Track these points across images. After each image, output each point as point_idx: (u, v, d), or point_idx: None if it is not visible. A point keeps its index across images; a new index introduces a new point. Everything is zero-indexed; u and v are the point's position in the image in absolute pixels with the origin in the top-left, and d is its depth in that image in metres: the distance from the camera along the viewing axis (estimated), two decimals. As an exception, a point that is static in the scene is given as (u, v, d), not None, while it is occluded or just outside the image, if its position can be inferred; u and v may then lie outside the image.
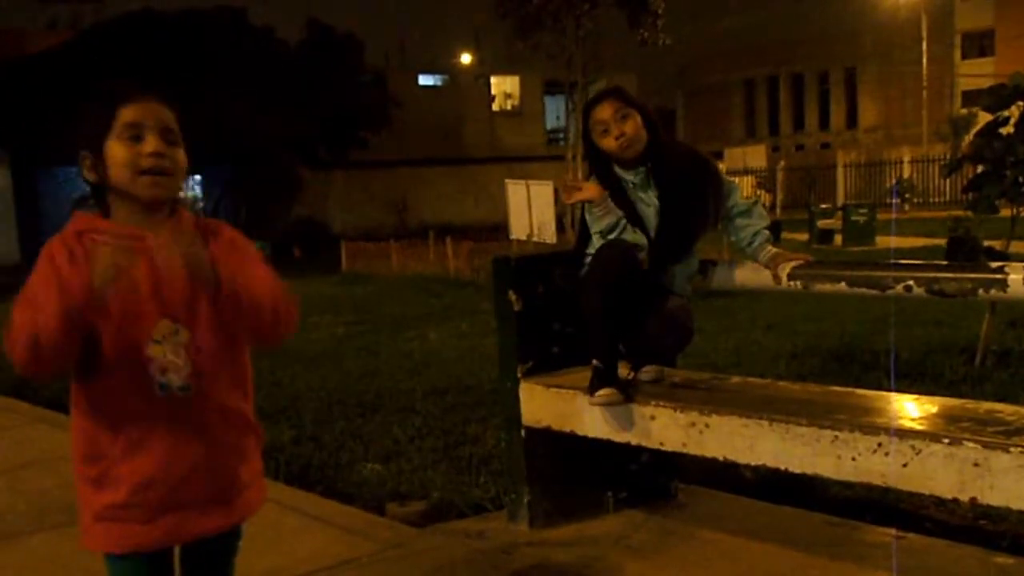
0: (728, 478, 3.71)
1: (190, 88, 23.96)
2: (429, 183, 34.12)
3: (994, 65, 47.28)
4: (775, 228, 17.68)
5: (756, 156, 42.91)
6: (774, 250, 3.02)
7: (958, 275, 2.58)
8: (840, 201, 30.67)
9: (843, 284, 2.84)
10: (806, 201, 30.30)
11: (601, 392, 2.90)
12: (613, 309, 2.88)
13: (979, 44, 48.11)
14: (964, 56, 48.17)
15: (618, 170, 3.05)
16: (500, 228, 17.27)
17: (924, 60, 41.73)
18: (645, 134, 2.99)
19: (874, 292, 2.78)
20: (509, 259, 3.32)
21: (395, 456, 4.44)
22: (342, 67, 26.95)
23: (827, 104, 53.28)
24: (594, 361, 2.94)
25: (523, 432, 3.31)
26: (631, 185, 3.04)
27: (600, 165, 3.08)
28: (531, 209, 14.67)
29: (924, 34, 41.04)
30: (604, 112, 2.99)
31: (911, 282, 2.65)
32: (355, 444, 4.67)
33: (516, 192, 15.54)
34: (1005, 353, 5.77)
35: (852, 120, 52.46)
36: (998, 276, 2.41)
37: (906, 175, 35.52)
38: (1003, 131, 5.11)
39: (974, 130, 5.45)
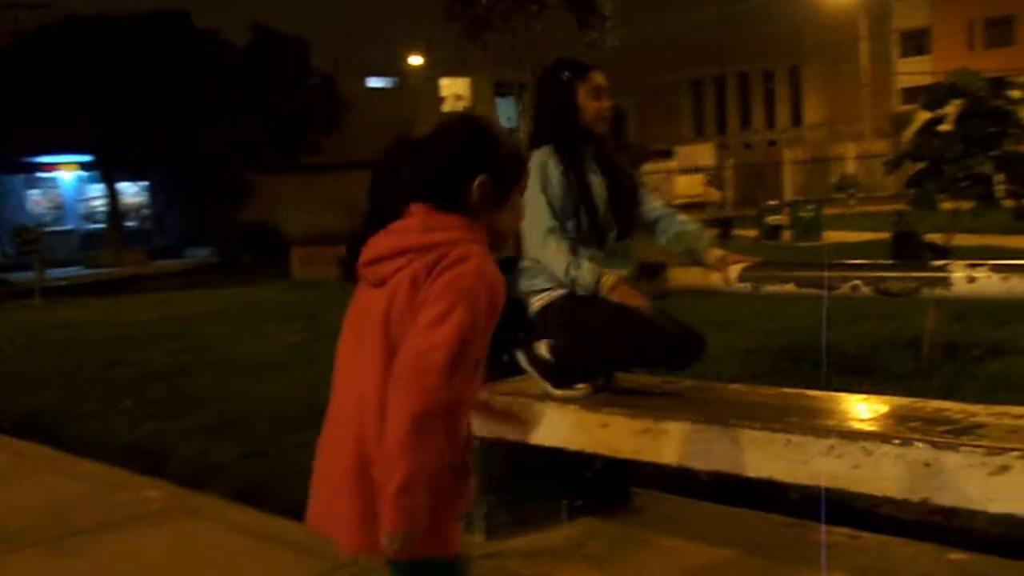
0: (685, 481, 3.68)
1: (134, 93, 23.58)
2: None
3: (931, 63, 48.37)
4: (726, 225, 17.84)
5: (705, 154, 43.38)
6: (720, 252, 3.02)
7: (903, 274, 2.60)
8: (787, 197, 31.11)
9: (792, 285, 2.84)
10: (755, 198, 30.71)
11: (579, 386, 2.94)
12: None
13: (916, 42, 49.18)
14: (902, 54, 49.22)
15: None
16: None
17: (864, 59, 42.47)
18: None
19: (822, 292, 2.78)
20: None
21: None
22: (289, 70, 26.62)
23: (773, 102, 54.15)
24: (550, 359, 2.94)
25: (475, 443, 3.25)
26: (588, 157, 3.03)
27: (567, 133, 2.98)
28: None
29: (863, 33, 41.78)
30: (602, 79, 2.99)
31: (858, 282, 2.66)
32: (306, 457, 4.50)
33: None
34: (951, 347, 5.84)
35: (797, 118, 53.34)
36: (941, 275, 2.42)
37: (850, 171, 36.18)
38: (941, 128, 5.18)
39: (912, 127, 5.53)
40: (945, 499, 2.20)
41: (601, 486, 3.52)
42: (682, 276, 3.19)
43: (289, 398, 5.92)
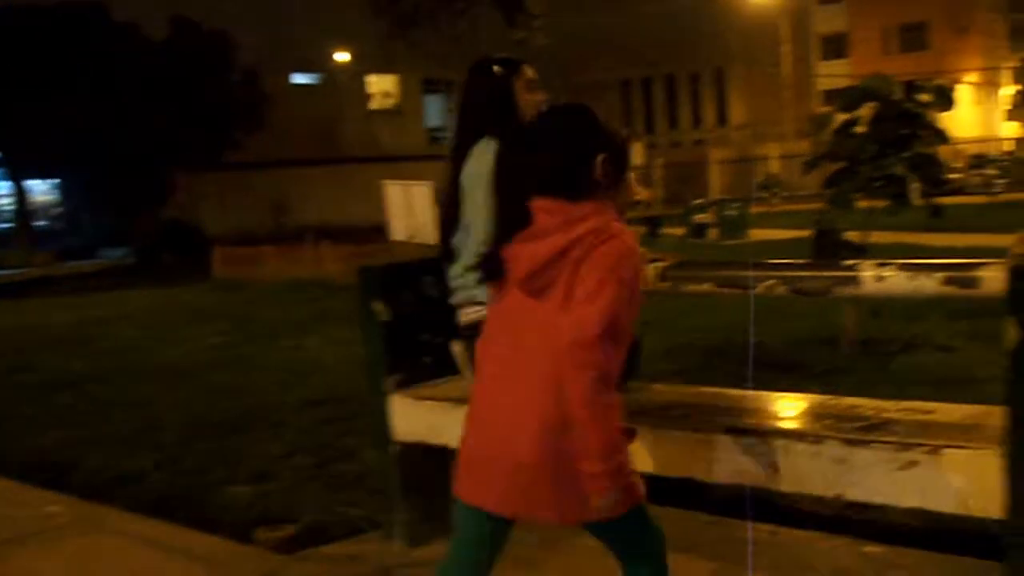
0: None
1: (45, 87, 22.77)
2: (307, 184, 33.23)
3: (849, 66, 49.70)
4: (655, 224, 18.07)
5: (634, 154, 43.79)
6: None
7: (816, 274, 2.63)
8: (714, 196, 31.64)
9: (710, 284, 2.84)
10: (682, 196, 31.15)
11: None
12: None
13: (836, 46, 50.48)
14: (822, 57, 50.49)
15: None
16: (382, 229, 17.05)
17: (786, 62, 43.44)
18: None
19: (739, 291, 2.79)
20: (375, 268, 3.19)
21: (265, 477, 4.23)
22: (211, 65, 26.00)
23: (699, 103, 55.07)
24: None
25: (396, 448, 3.19)
26: None
27: (504, 127, 2.80)
28: (411, 210, 14.55)
29: (785, 37, 42.74)
30: (533, 73, 2.93)
31: (773, 281, 2.67)
32: (221, 466, 4.42)
33: (395, 194, 15.37)
34: (867, 342, 5.97)
35: (723, 118, 54.30)
36: (851, 274, 2.45)
37: (774, 170, 36.96)
38: (856, 130, 5.30)
39: (830, 128, 5.66)
40: (857, 495, 2.24)
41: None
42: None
43: (207, 404, 5.78)
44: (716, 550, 3.07)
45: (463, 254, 2.87)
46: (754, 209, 27.89)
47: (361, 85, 35.93)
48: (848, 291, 2.54)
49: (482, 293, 2.83)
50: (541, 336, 1.89)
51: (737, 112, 53.51)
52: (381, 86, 37.10)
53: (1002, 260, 2.14)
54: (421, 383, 3.20)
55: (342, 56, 34.88)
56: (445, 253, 2.94)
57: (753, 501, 3.12)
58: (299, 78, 35.17)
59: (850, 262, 2.54)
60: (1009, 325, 2.02)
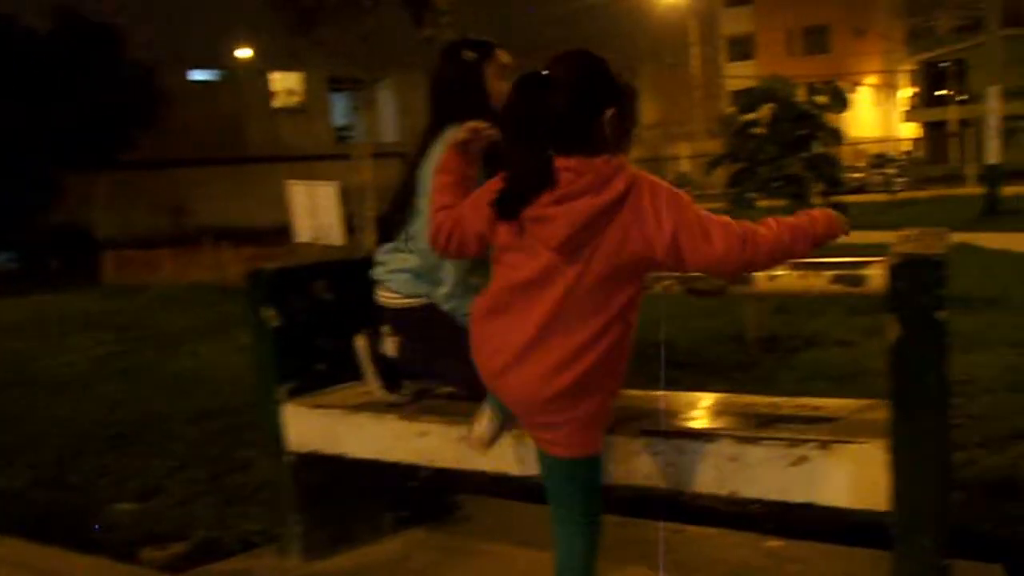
0: (519, 483, 3.62)
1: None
2: (208, 184, 32.07)
3: (755, 68, 50.99)
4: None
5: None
6: None
7: (710, 273, 2.62)
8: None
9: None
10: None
11: (404, 392, 2.85)
12: None
13: (742, 48, 51.76)
14: (730, 59, 51.70)
15: None
16: (286, 231, 16.67)
17: (695, 63, 44.36)
18: None
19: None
20: (264, 272, 3.07)
21: (154, 493, 4.05)
22: (100, 60, 24.89)
23: (610, 102, 55.79)
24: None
25: (289, 458, 3.09)
26: None
27: (475, 114, 2.59)
28: (315, 211, 14.27)
29: (693, 38, 43.65)
30: (508, 57, 2.80)
31: (670, 281, 2.66)
32: (106, 483, 4.22)
33: (299, 193, 15.01)
34: (771, 339, 6.08)
35: (634, 117, 55.16)
36: (744, 273, 2.44)
37: (685, 169, 37.68)
38: (755, 131, 5.38)
39: (733, 128, 5.74)
40: (751, 491, 2.25)
41: (427, 495, 3.41)
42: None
43: (92, 418, 5.49)
44: (624, 551, 3.05)
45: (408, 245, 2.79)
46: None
47: (264, 83, 34.96)
48: (741, 290, 2.56)
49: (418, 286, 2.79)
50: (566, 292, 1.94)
51: (648, 112, 54.33)
52: (285, 84, 36.14)
53: (885, 258, 2.16)
54: (315, 391, 3.10)
55: (244, 52, 33.89)
56: (384, 236, 2.88)
57: (661, 500, 3.13)
58: (198, 75, 33.93)
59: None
60: (890, 322, 2.06)
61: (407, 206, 2.78)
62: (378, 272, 2.88)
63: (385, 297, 2.87)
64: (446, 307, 2.76)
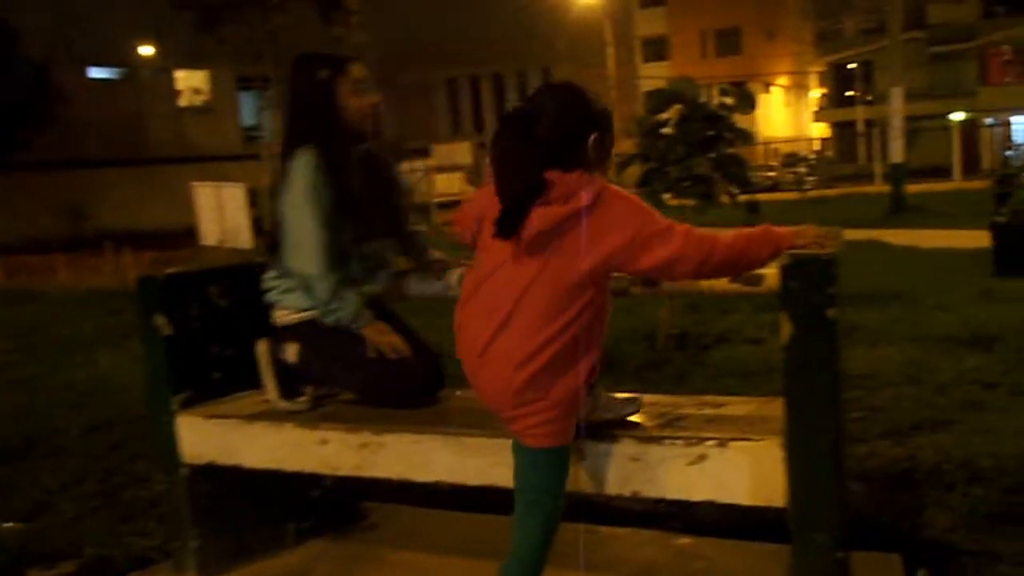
0: (427, 488, 3.56)
1: None
2: (110, 186, 30.80)
3: (669, 69, 51.83)
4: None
5: (462, 152, 44.10)
6: (437, 253, 2.95)
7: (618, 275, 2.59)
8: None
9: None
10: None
11: (302, 400, 2.81)
12: None
13: (657, 49, 52.54)
14: (645, 60, 52.42)
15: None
16: (193, 233, 16.27)
17: (610, 63, 44.87)
18: None
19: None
20: (155, 277, 2.94)
21: (42, 509, 3.86)
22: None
23: (528, 102, 56.01)
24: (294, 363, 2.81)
25: (184, 471, 2.97)
26: (351, 160, 2.78)
27: (330, 135, 2.71)
28: (223, 213, 13.95)
29: (609, 39, 44.12)
30: (363, 72, 2.74)
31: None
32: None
33: (205, 195, 14.73)
34: (683, 337, 6.13)
35: (551, 117, 55.48)
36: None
37: (604, 171, 38.02)
38: (665, 131, 5.42)
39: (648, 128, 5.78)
40: (653, 491, 2.25)
41: (330, 504, 3.33)
42: (405, 284, 3.07)
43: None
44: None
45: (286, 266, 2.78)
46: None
47: (169, 81, 33.89)
48: (646, 290, 2.56)
49: (297, 299, 2.77)
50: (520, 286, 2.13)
51: (566, 112, 54.79)
52: (191, 82, 35.11)
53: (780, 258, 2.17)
54: (211, 400, 3.00)
55: (146, 50, 32.79)
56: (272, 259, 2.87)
57: (575, 501, 3.10)
58: (98, 72, 32.55)
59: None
60: (783, 320, 2.07)
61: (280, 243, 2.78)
62: (270, 296, 2.87)
63: (280, 315, 2.85)
64: (327, 321, 2.74)
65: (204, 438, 2.91)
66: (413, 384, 2.76)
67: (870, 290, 7.84)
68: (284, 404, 2.84)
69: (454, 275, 2.90)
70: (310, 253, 2.69)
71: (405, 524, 3.40)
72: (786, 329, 2.07)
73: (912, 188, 22.67)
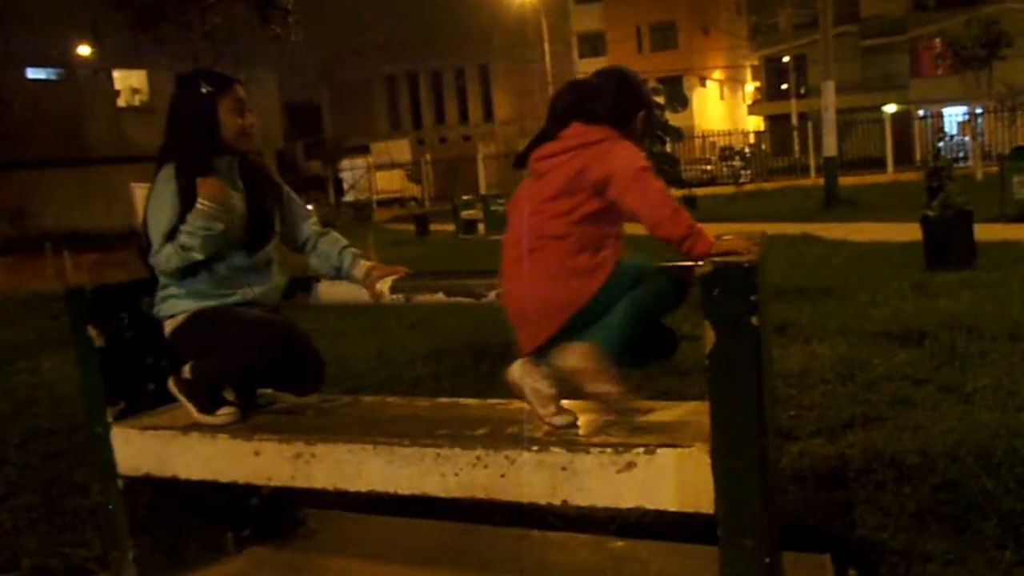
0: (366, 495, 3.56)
1: None
2: (49, 188, 30.45)
3: (606, 64, 51.89)
4: (422, 221, 18.13)
5: (401, 150, 43.91)
6: (367, 264, 2.97)
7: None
8: (483, 190, 32.19)
9: (441, 295, 2.83)
10: (452, 192, 31.52)
11: (222, 411, 2.81)
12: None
13: (593, 44, 52.76)
14: (581, 55, 52.64)
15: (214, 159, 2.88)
16: (135, 234, 16.04)
17: (547, 59, 44.98)
18: None
19: (470, 300, 2.79)
20: (83, 290, 2.92)
21: None
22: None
23: (465, 98, 55.91)
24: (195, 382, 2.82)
25: (120, 482, 2.95)
26: (222, 173, 2.87)
27: (204, 150, 2.83)
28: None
29: (545, 35, 44.23)
30: (245, 92, 2.86)
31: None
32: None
33: (144, 198, 14.41)
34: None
35: (489, 113, 55.42)
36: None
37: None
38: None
39: None
40: (583, 500, 2.26)
41: (269, 512, 3.32)
42: (331, 291, 3.07)
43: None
44: (466, 559, 3.08)
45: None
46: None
47: (107, 81, 33.53)
48: None
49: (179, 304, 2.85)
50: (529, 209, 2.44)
51: (502, 107, 54.81)
52: (129, 82, 34.80)
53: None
54: (145, 412, 2.99)
55: (84, 50, 32.39)
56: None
57: (505, 508, 3.13)
58: (35, 73, 32.25)
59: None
60: (706, 328, 2.11)
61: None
62: (157, 313, 2.95)
63: (167, 329, 2.94)
64: (165, 271, 2.84)
65: (139, 450, 2.89)
66: (274, 331, 2.81)
67: (803, 285, 7.94)
68: (209, 419, 2.84)
69: (383, 284, 2.92)
70: (156, 247, 2.82)
71: (343, 530, 3.41)
72: (709, 336, 2.10)
73: (846, 180, 23.03)
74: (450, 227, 21.40)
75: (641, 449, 2.20)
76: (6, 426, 5.43)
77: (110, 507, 3.00)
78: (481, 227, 20.23)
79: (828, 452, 3.76)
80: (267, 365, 2.79)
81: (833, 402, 4.47)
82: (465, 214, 20.94)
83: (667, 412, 2.50)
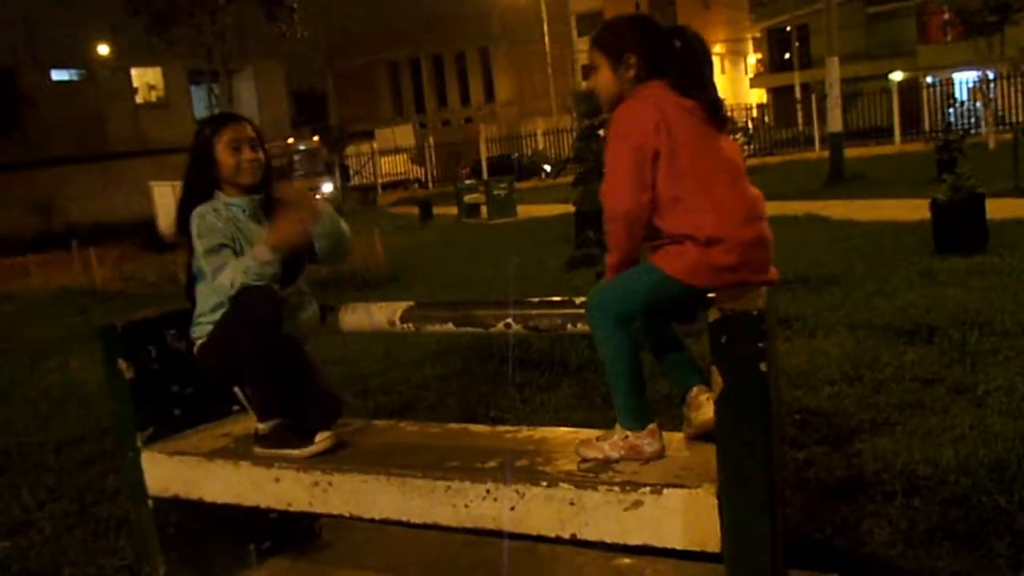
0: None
1: None
2: (74, 183, 31.59)
3: (604, 43, 51.23)
4: (426, 206, 18.13)
5: (405, 135, 43.89)
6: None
7: (549, 312, 2.74)
8: (486, 172, 32.16)
9: (450, 325, 2.93)
10: (455, 174, 31.58)
11: (319, 438, 2.84)
12: (274, 359, 2.87)
13: (592, 23, 52.06)
14: (580, 35, 52.07)
15: (223, 196, 3.01)
16: (152, 224, 16.37)
17: (546, 39, 44.64)
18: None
19: (479, 330, 2.89)
20: (114, 327, 3.06)
21: (24, 527, 3.99)
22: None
23: (466, 82, 55.72)
24: (273, 421, 2.88)
25: (151, 502, 3.12)
26: (241, 211, 3.01)
27: (203, 186, 3.02)
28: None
29: (544, 16, 43.90)
30: (242, 131, 3.00)
31: (510, 320, 2.79)
32: None
33: (162, 194, 14.57)
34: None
35: (490, 95, 55.21)
36: (583, 311, 2.57)
37: (540, 146, 37.99)
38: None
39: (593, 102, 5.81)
40: (591, 534, 2.32)
41: (288, 525, 3.47)
42: (350, 319, 3.18)
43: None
44: (475, 572, 3.15)
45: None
46: (525, 184, 28.60)
47: (126, 79, 34.38)
48: (579, 328, 2.67)
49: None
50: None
51: (503, 89, 54.60)
52: (145, 79, 35.54)
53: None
54: (172, 436, 3.16)
55: (103, 49, 33.13)
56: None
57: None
58: (60, 74, 33.23)
59: (581, 300, 2.65)
60: (714, 374, 2.11)
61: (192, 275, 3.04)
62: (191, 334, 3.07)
63: (196, 348, 3.06)
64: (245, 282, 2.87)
65: (168, 473, 3.06)
66: (265, 295, 2.85)
67: (808, 273, 7.87)
68: (311, 450, 2.84)
69: (396, 311, 3.03)
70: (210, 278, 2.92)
71: (357, 541, 3.53)
72: (717, 382, 2.11)
73: (852, 152, 22.56)
74: (453, 210, 21.45)
75: (648, 488, 2.24)
76: (43, 429, 5.64)
77: (142, 525, 3.16)
78: (483, 210, 20.33)
79: (835, 461, 3.71)
80: (267, 329, 2.82)
81: (840, 406, 4.40)
82: (468, 198, 21.02)
83: (672, 446, 2.51)
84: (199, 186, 3.03)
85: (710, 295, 2.31)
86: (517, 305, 2.81)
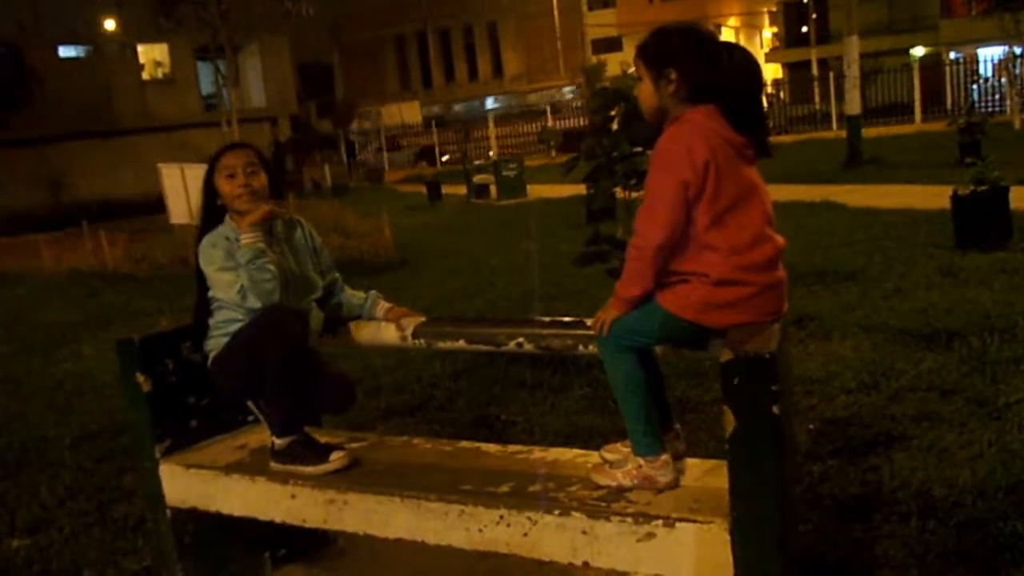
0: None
1: None
2: (82, 159, 31.66)
3: (616, 15, 50.80)
4: (434, 187, 18.11)
5: (412, 111, 43.59)
6: (387, 304, 3.17)
7: (561, 332, 2.74)
8: (494, 150, 31.91)
9: (463, 342, 2.95)
10: (465, 151, 31.46)
11: (334, 456, 2.89)
12: (296, 378, 2.90)
13: (602, -4, 51.55)
14: (590, 7, 51.55)
15: (231, 222, 3.06)
16: (160, 201, 16.50)
17: (555, 13, 44.04)
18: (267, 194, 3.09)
19: (491, 348, 2.90)
20: (132, 341, 3.09)
21: (44, 525, 4.03)
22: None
23: (474, 56, 55.31)
24: (290, 437, 2.91)
25: (169, 512, 3.16)
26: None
27: (211, 213, 3.12)
28: (189, 193, 13.91)
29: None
30: (235, 159, 3.06)
31: (522, 339, 2.79)
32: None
33: (171, 176, 14.63)
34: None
35: (499, 70, 54.77)
36: (592, 333, 2.56)
37: (550, 122, 37.62)
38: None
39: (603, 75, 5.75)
40: (602, 563, 2.34)
41: (303, 532, 3.49)
42: (357, 332, 3.21)
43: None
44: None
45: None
46: (534, 162, 28.31)
47: (132, 55, 34.43)
48: (590, 350, 2.66)
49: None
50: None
51: (511, 64, 54.17)
52: (152, 55, 35.58)
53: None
54: (189, 447, 3.20)
55: (110, 25, 33.14)
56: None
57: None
58: (67, 51, 33.24)
59: (591, 321, 2.64)
60: (727, 414, 2.12)
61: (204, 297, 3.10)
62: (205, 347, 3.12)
63: (210, 360, 3.09)
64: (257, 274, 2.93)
65: (185, 485, 3.10)
66: (289, 313, 2.92)
67: (824, 267, 7.70)
68: (326, 467, 2.88)
69: (409, 323, 3.06)
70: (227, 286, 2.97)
71: (372, 549, 3.52)
72: (730, 423, 2.11)
73: (871, 132, 21.54)
74: (462, 190, 21.33)
75: (660, 521, 2.25)
76: (59, 423, 5.66)
77: (159, 534, 3.21)
78: (493, 190, 20.13)
79: (849, 476, 3.67)
80: (294, 349, 2.86)
81: (855, 416, 4.33)
82: (477, 178, 20.87)
83: (689, 475, 2.51)
84: (208, 213, 3.13)
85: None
86: (529, 325, 2.82)
